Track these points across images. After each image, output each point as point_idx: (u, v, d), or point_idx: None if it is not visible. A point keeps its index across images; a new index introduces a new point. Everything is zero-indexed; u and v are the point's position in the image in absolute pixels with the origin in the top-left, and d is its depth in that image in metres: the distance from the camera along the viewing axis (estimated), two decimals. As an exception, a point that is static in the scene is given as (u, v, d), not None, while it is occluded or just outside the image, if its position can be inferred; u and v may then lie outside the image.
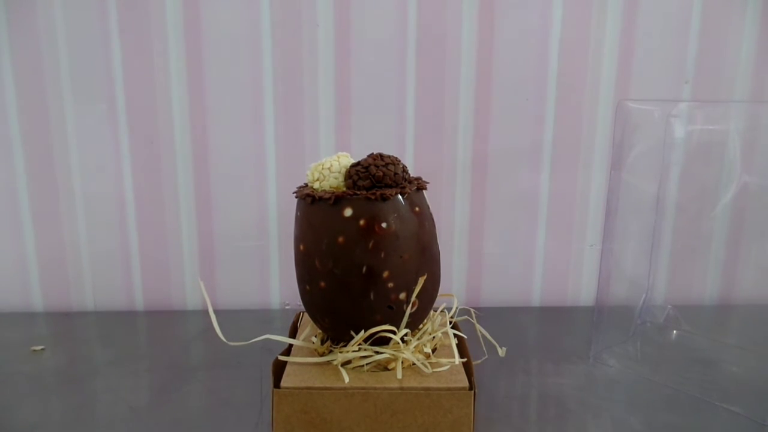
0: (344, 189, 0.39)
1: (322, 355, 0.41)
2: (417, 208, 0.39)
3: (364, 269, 0.37)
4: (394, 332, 0.39)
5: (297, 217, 0.41)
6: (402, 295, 0.39)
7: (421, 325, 0.43)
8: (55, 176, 0.64)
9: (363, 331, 0.39)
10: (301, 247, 0.40)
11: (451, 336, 0.44)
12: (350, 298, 0.38)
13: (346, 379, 0.37)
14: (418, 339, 0.41)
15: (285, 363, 0.40)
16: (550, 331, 0.62)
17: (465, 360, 0.40)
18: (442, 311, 0.47)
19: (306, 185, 0.41)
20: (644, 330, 0.59)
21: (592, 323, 0.54)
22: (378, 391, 0.36)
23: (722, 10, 0.63)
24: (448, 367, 0.39)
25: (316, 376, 0.38)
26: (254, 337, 0.42)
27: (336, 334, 0.41)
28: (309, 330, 0.45)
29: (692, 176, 0.59)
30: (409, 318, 0.39)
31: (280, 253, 0.67)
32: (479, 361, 0.41)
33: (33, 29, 0.61)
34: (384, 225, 0.37)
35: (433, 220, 0.41)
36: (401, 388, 0.37)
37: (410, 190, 0.39)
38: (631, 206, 0.52)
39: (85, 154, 0.64)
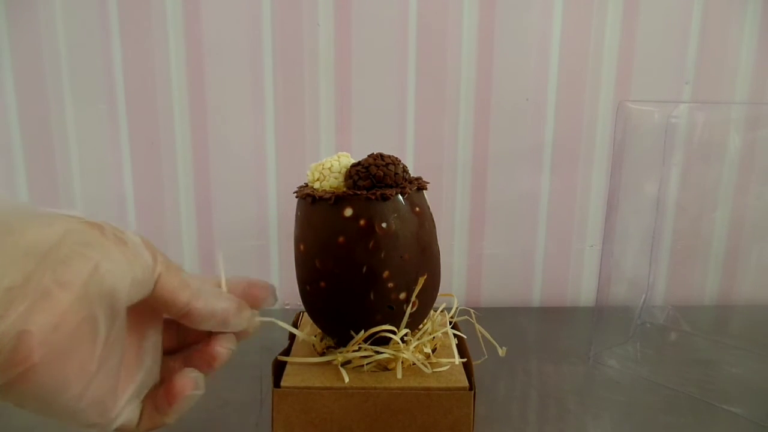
0: (344, 189, 0.39)
1: (321, 354, 0.41)
2: (417, 208, 0.39)
3: (365, 269, 0.37)
4: (394, 332, 0.39)
5: (297, 217, 0.41)
6: (402, 295, 0.39)
7: (421, 325, 0.43)
8: (55, 176, 0.64)
9: (363, 331, 0.39)
10: (301, 247, 0.40)
11: (451, 336, 0.44)
12: (350, 298, 0.38)
13: (346, 379, 0.37)
14: (418, 339, 0.41)
15: (285, 363, 0.40)
16: (550, 332, 0.62)
17: (465, 360, 0.40)
18: (442, 311, 0.47)
19: (306, 185, 0.41)
20: (644, 330, 0.59)
21: (592, 324, 0.54)
22: (378, 391, 0.36)
23: (722, 10, 0.63)
24: (448, 367, 0.39)
25: (316, 376, 0.38)
26: (254, 338, 0.42)
27: (336, 334, 0.41)
28: (309, 330, 0.45)
29: (692, 177, 0.59)
30: (409, 318, 0.39)
31: (280, 253, 0.67)
32: (479, 362, 0.41)
33: (33, 29, 0.61)
34: (384, 225, 0.37)
35: (433, 220, 0.41)
36: (401, 388, 0.37)
37: (410, 190, 0.39)
38: (632, 207, 0.52)
39: (85, 154, 0.64)
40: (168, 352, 0.30)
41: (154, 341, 0.27)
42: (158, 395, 0.26)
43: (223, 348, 0.29)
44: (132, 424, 0.25)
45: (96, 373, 0.22)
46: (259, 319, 0.31)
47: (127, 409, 0.25)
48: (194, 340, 0.30)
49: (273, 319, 0.33)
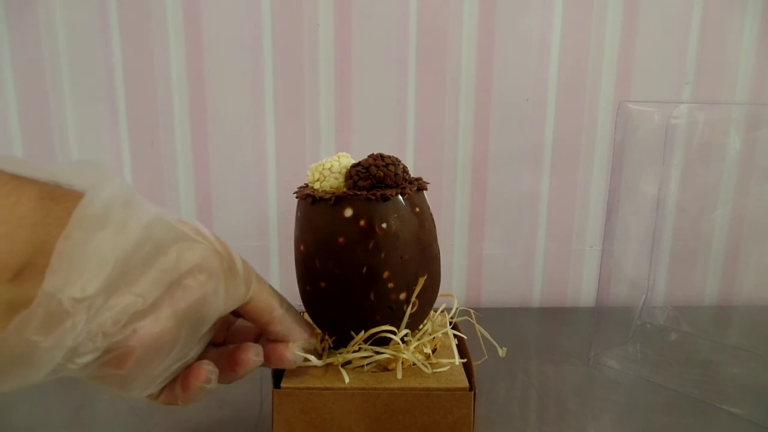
0: (345, 189, 0.39)
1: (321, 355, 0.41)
2: (417, 209, 0.39)
3: (365, 269, 0.37)
4: (394, 332, 0.39)
5: (297, 218, 0.41)
6: (402, 296, 0.39)
7: (421, 326, 0.43)
8: (55, 176, 0.64)
9: (363, 331, 0.39)
10: (302, 248, 0.40)
11: (451, 336, 0.44)
12: (350, 298, 0.38)
13: (347, 380, 0.37)
14: (418, 339, 0.41)
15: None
16: (550, 332, 0.62)
17: (465, 360, 0.40)
18: (442, 312, 0.47)
19: (306, 185, 0.41)
20: (644, 331, 0.59)
21: (592, 324, 0.53)
22: (378, 392, 0.36)
23: (722, 11, 0.63)
24: (448, 367, 0.39)
25: (316, 377, 0.38)
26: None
27: (336, 334, 0.41)
28: (309, 330, 0.45)
29: (692, 177, 0.59)
30: (409, 318, 0.39)
31: (280, 253, 0.67)
32: (479, 362, 0.41)
33: (33, 29, 0.61)
34: (384, 225, 0.37)
35: (433, 220, 0.41)
36: (401, 389, 0.36)
37: (411, 190, 0.39)
38: (632, 207, 0.52)
39: (85, 154, 0.64)
40: (212, 343, 0.33)
41: (205, 341, 0.31)
42: (178, 378, 0.29)
43: (248, 357, 0.32)
44: (155, 395, 0.29)
45: (153, 374, 0.26)
46: (303, 355, 0.35)
47: (160, 385, 0.28)
48: (239, 340, 0.34)
49: (311, 357, 0.37)
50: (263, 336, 0.35)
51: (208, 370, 0.30)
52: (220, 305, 0.28)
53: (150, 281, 0.24)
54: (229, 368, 0.32)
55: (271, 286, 0.33)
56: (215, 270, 0.27)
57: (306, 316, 0.48)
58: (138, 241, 0.24)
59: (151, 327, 0.24)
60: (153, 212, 0.25)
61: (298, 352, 0.34)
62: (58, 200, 0.22)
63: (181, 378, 0.29)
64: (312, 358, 0.37)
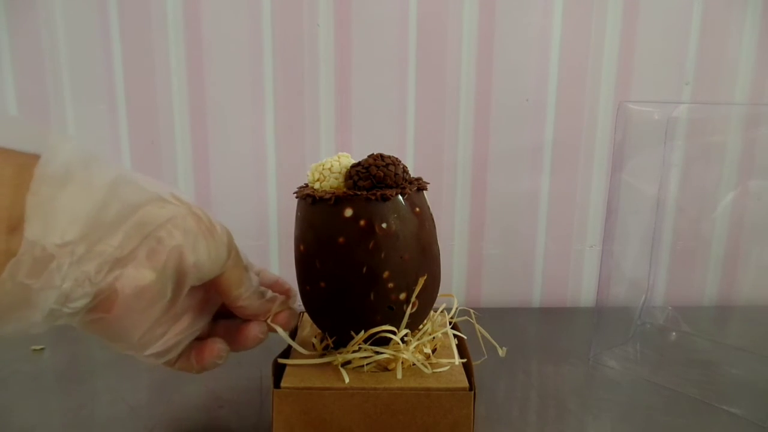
0: (345, 189, 0.39)
1: (322, 355, 0.41)
2: (417, 209, 0.39)
3: (365, 269, 0.37)
4: (394, 332, 0.39)
5: (297, 218, 0.41)
6: (402, 296, 0.39)
7: (421, 326, 0.43)
8: (55, 176, 0.64)
9: (363, 331, 0.39)
10: (302, 248, 0.40)
11: (451, 336, 0.44)
12: (350, 298, 0.38)
13: (346, 380, 0.37)
14: (418, 339, 0.41)
15: (285, 363, 0.40)
16: (550, 332, 0.62)
17: (465, 360, 0.40)
18: (442, 311, 0.47)
19: (306, 185, 0.41)
20: (644, 331, 0.59)
21: (592, 324, 0.54)
22: (378, 392, 0.36)
23: (722, 11, 0.63)
24: (448, 367, 0.39)
25: (316, 377, 0.38)
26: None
27: (336, 334, 0.41)
28: (309, 330, 0.45)
29: (692, 177, 0.59)
30: (409, 318, 0.39)
31: (280, 253, 0.67)
32: (479, 362, 0.41)
33: (33, 29, 0.61)
34: (384, 225, 0.37)
35: (433, 220, 0.41)
36: (401, 389, 0.37)
37: (411, 190, 0.39)
38: (632, 207, 0.52)
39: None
40: (217, 316, 0.37)
41: (210, 310, 0.35)
42: (193, 349, 0.33)
43: (253, 333, 0.36)
44: (171, 361, 0.33)
45: (150, 328, 0.29)
46: (268, 324, 0.37)
47: (172, 351, 0.31)
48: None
49: (280, 331, 0.38)
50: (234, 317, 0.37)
51: (220, 348, 0.34)
52: (204, 262, 0.30)
53: (125, 235, 0.27)
54: (237, 341, 0.36)
55: (248, 267, 0.35)
56: (191, 228, 0.29)
57: (306, 315, 0.48)
58: (105, 198, 0.26)
59: (132, 274, 0.27)
60: (117, 172, 0.27)
61: (261, 334, 0.36)
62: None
63: (195, 351, 0.33)
64: (282, 332, 0.38)
